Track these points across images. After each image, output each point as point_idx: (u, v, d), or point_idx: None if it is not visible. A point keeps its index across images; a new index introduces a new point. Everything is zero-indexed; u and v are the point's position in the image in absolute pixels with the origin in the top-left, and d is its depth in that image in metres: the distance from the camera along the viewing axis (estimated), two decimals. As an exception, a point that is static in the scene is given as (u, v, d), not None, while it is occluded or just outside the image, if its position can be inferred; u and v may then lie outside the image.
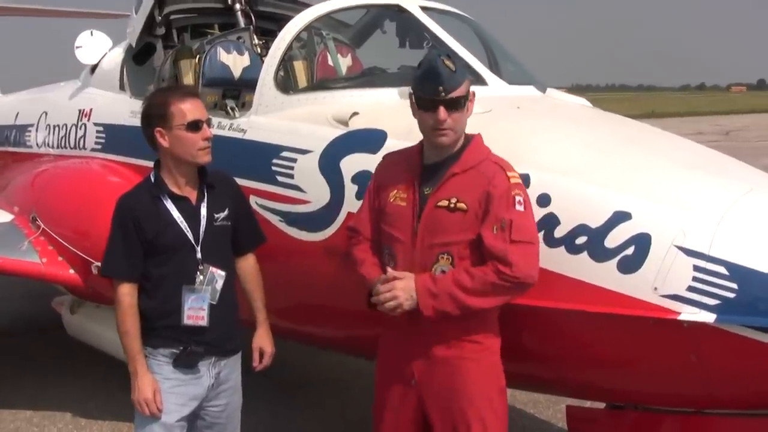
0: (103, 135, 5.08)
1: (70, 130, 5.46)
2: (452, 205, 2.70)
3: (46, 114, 5.98)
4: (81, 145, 5.29)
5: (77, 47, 5.48)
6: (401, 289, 2.68)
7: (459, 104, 2.71)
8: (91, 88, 5.50)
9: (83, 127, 5.30)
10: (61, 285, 4.78)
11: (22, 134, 6.35)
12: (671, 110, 53.35)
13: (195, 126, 2.92)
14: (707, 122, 40.75)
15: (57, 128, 5.68)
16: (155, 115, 2.94)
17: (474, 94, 2.82)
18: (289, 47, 4.02)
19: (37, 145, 6.03)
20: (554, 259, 2.80)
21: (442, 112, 2.68)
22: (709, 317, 2.57)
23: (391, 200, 2.83)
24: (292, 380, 5.37)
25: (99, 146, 5.10)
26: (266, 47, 4.56)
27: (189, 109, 2.93)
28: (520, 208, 2.68)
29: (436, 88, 2.67)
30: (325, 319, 3.70)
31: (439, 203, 2.72)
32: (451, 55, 2.79)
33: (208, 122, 3.00)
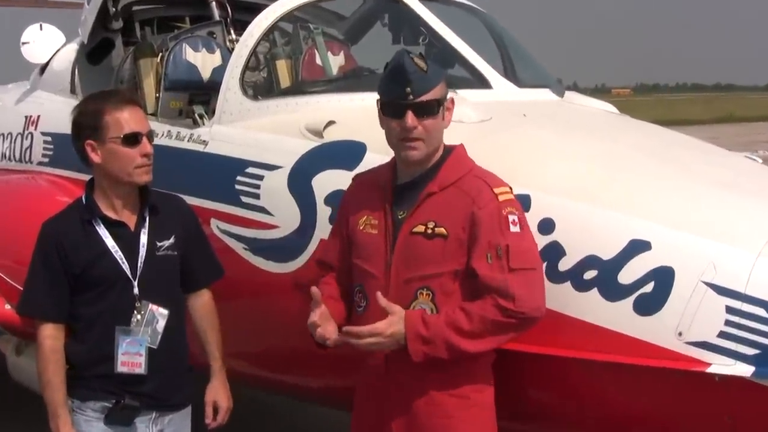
0: (52, 146, 5.12)
1: (15, 140, 5.52)
2: (430, 231, 2.69)
3: (-9, 121, 6.03)
4: (27, 158, 5.34)
5: (23, 43, 5.54)
6: (387, 335, 2.64)
7: (431, 110, 2.70)
8: (39, 92, 5.55)
9: (29, 136, 5.35)
10: (-3, 323, 4.79)
11: (-34, 145, 6.41)
12: (753, 113, 52.69)
13: (132, 139, 2.93)
14: (796, 127, 40.22)
15: (1, 138, 5.74)
16: (86, 125, 2.95)
17: (453, 101, 2.82)
18: (258, 45, 4.05)
19: (-19, 157, 6.09)
20: (558, 297, 2.76)
21: (410, 117, 2.68)
22: (746, 370, 2.51)
23: (361, 228, 2.82)
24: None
25: (47, 159, 5.14)
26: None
27: (126, 119, 2.93)
28: (515, 228, 2.66)
29: (403, 90, 2.67)
30: (298, 365, 3.68)
31: (415, 229, 2.71)
32: (428, 55, 2.80)
33: (150, 135, 3.00)
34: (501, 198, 2.68)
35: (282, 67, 4.50)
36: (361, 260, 2.82)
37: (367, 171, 3.02)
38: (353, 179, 3.02)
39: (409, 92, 2.66)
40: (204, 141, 3.92)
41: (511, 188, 2.74)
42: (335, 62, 4.62)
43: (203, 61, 4.70)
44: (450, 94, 2.82)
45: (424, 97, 2.68)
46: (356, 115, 3.53)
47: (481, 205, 2.66)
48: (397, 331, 2.63)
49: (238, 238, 3.62)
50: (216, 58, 4.72)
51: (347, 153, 3.36)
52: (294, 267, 3.43)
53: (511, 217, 2.66)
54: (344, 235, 2.91)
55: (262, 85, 4.29)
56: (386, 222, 2.76)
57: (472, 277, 2.66)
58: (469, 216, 2.66)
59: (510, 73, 4.00)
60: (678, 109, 58.09)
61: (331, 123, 3.49)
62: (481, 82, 3.69)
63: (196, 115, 4.68)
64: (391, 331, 2.63)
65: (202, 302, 3.22)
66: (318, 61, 4.48)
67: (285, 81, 4.47)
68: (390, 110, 2.73)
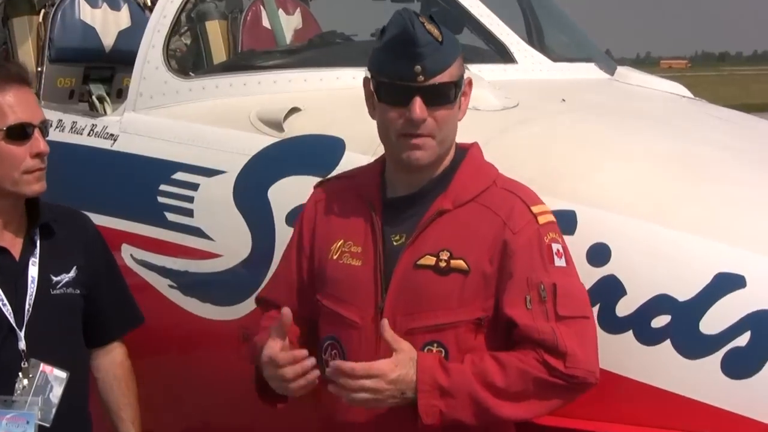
0: None
1: None
2: (443, 264, 2.70)
3: None
4: None
5: None
6: (391, 379, 2.61)
7: (446, 96, 2.70)
8: None
9: None
10: None
11: None
12: None
13: (20, 133, 2.95)
14: None
15: None
16: None
17: (471, 82, 2.84)
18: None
19: None
20: (616, 353, 2.81)
21: (417, 106, 2.66)
22: None
23: (334, 257, 2.83)
24: None
25: None
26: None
27: (11, 104, 2.95)
28: (560, 262, 2.70)
29: (410, 69, 2.64)
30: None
31: (421, 260, 2.72)
32: (439, 17, 2.79)
33: (43, 127, 3.02)
34: (541, 220, 2.71)
35: (214, 31, 4.55)
36: (334, 302, 2.82)
37: (337, 176, 3.04)
38: (316, 187, 3.02)
39: (419, 71, 2.65)
40: (112, 135, 3.95)
41: (548, 209, 2.78)
42: (289, 24, 4.70)
43: (104, 21, 4.76)
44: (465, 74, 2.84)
45: (439, 79, 2.68)
46: (329, 99, 3.60)
47: (516, 228, 2.69)
48: (404, 375, 2.62)
49: (163, 271, 3.66)
50: (122, 18, 4.77)
51: (318, 152, 3.40)
52: (242, 312, 3.46)
53: (554, 247, 2.69)
54: (304, 265, 2.93)
55: (192, 57, 4.32)
56: (376, 250, 2.78)
57: (503, 329, 2.68)
58: (500, 243, 2.68)
59: (539, 41, 4.09)
60: (756, 88, 57.47)
61: (294, 110, 3.55)
62: (502, 54, 3.77)
63: (93, 97, 4.69)
64: (397, 374, 2.61)
65: (113, 361, 3.24)
66: (265, 22, 4.55)
67: (219, 50, 4.52)
68: (390, 95, 2.72)
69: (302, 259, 2.94)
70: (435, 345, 2.70)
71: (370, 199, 2.83)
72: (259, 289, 3.25)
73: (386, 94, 2.73)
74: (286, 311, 2.70)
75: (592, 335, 2.69)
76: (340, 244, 2.83)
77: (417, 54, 2.63)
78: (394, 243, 2.76)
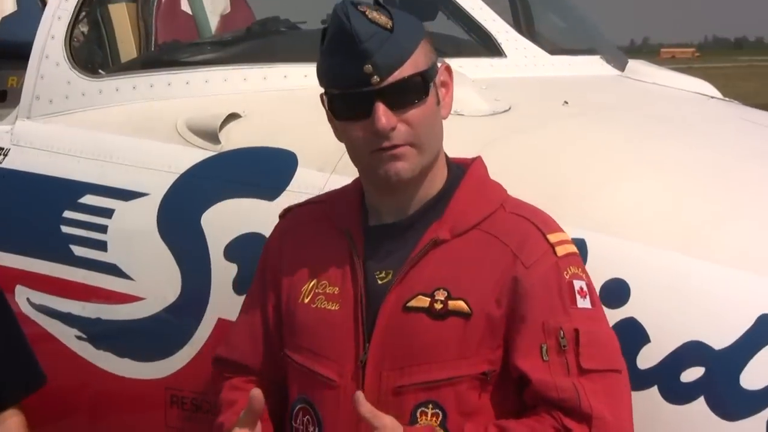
0: None
1: None
2: (439, 305, 2.71)
3: None
4: None
5: None
6: None
7: (414, 92, 2.72)
8: None
9: None
10: None
11: None
12: None
13: None
14: None
15: None
16: None
17: (449, 69, 2.87)
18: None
19: None
20: (639, 414, 2.79)
21: (381, 112, 2.66)
22: None
23: (306, 301, 2.86)
24: None
25: None
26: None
27: None
28: (584, 303, 2.72)
29: (358, 70, 2.66)
30: None
31: (411, 302, 2.74)
32: (391, 1, 2.76)
33: None
34: (560, 251, 2.74)
35: (120, 15, 4.57)
36: (306, 356, 2.84)
37: (307, 201, 3.07)
38: (282, 215, 3.06)
39: (370, 71, 2.66)
40: (1, 149, 3.97)
41: (568, 237, 2.81)
42: (214, 8, 4.73)
43: (-15, 7, 4.77)
44: (441, 62, 2.86)
45: (399, 74, 2.69)
46: (275, 103, 3.65)
47: (530, 261, 2.71)
48: None
49: (69, 319, 3.67)
50: (5, 2, 4.78)
51: (264, 169, 3.45)
52: (169, 370, 3.49)
53: (577, 284, 2.71)
54: (270, 313, 2.96)
55: (98, 50, 4.34)
56: (356, 289, 2.79)
57: (513, 386, 2.71)
58: (510, 280, 2.70)
59: (530, 29, 4.20)
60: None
61: (232, 117, 3.60)
62: (487, 46, 3.84)
63: (-28, 101, 4.70)
64: None
65: (5, 432, 3.27)
66: (185, 5, 4.60)
67: (126, 40, 4.55)
68: (346, 108, 2.75)
69: (268, 306, 2.97)
70: (430, 406, 2.70)
71: (348, 228, 2.85)
72: (203, 343, 3.32)
73: (342, 108, 2.76)
74: (256, 394, 2.68)
75: (625, 393, 2.70)
76: (312, 284, 2.86)
77: (362, 51, 2.64)
78: (379, 281, 2.79)
